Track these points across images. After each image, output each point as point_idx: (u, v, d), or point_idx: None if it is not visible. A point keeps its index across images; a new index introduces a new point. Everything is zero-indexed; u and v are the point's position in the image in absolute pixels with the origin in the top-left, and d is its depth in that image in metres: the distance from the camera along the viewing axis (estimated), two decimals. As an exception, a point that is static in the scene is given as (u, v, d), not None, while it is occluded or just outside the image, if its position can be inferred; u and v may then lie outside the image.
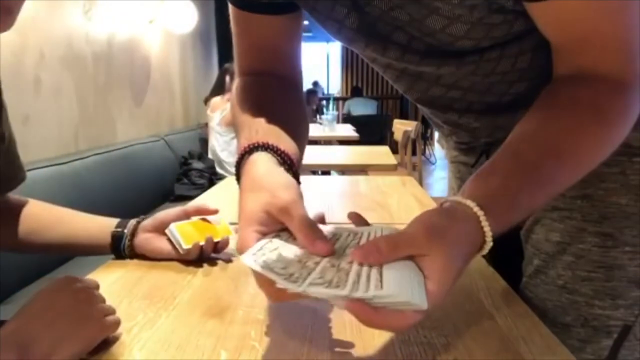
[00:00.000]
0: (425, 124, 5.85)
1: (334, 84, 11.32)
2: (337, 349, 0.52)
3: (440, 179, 6.10)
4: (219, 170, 3.47)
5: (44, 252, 0.84)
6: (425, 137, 7.17)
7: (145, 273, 0.74)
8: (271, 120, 0.60)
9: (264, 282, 0.43)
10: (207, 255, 0.78)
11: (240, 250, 0.46)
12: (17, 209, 0.80)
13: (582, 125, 0.53)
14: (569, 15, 0.52)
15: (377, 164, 2.52)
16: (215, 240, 0.78)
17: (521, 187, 0.50)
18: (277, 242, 0.47)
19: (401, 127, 4.08)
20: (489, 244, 0.46)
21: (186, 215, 0.82)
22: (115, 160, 2.50)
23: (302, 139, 0.64)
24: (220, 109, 3.52)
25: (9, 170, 0.75)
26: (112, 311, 0.55)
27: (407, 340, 0.53)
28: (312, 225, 0.46)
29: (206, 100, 3.78)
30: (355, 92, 8.94)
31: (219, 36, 5.28)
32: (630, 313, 0.67)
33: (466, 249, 0.45)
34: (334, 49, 10.98)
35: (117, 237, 0.78)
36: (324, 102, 8.75)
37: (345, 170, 2.95)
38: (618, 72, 0.53)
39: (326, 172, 3.43)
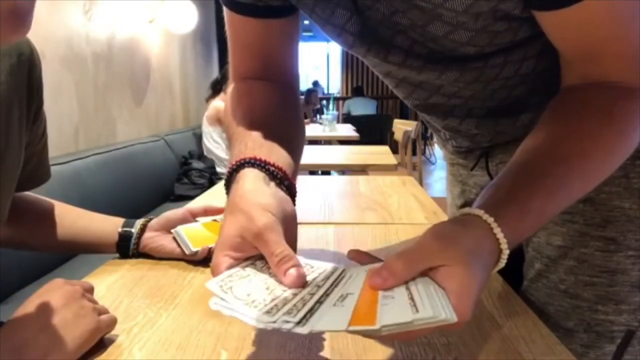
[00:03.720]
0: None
1: (334, 84, 11.32)
2: (338, 350, 0.52)
3: (440, 179, 6.10)
4: (219, 169, 3.47)
5: (50, 249, 0.84)
6: (425, 137, 7.16)
7: (146, 273, 0.74)
8: (264, 130, 0.59)
9: None
10: (211, 256, 0.77)
11: (213, 274, 0.45)
12: (28, 205, 0.81)
13: (592, 131, 0.52)
14: (580, 24, 0.51)
15: (377, 164, 2.52)
16: None
17: (531, 195, 0.48)
18: (249, 271, 0.45)
19: (401, 127, 4.08)
20: (506, 252, 0.44)
21: (192, 216, 0.83)
22: (115, 160, 2.50)
23: (297, 147, 0.63)
24: (207, 109, 3.57)
25: (39, 170, 0.76)
26: (105, 310, 0.55)
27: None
28: (286, 254, 0.44)
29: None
30: (356, 91, 8.93)
31: (219, 36, 5.27)
32: (633, 318, 0.66)
33: (484, 258, 0.43)
34: (334, 49, 10.97)
35: (125, 236, 0.79)
36: (324, 102, 8.75)
37: (345, 170, 2.94)
38: (628, 79, 0.52)
39: (326, 172, 3.43)
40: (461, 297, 0.39)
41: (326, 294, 0.42)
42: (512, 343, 0.53)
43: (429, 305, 0.37)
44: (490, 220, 0.44)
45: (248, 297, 0.41)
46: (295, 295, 0.41)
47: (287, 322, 0.37)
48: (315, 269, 0.47)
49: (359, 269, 0.47)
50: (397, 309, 0.38)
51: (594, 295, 0.67)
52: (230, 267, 0.45)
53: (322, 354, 0.51)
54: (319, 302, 0.41)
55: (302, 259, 0.46)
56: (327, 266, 0.48)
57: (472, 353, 0.51)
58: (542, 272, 0.72)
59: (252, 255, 0.47)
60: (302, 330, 0.37)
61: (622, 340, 0.67)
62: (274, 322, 0.37)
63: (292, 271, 0.43)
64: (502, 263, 0.45)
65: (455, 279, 0.40)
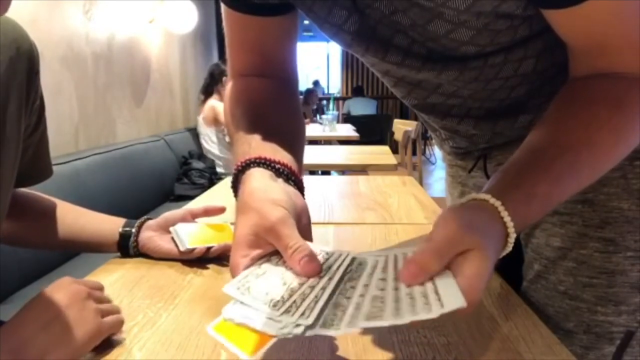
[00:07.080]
0: (425, 124, 5.83)
1: (334, 84, 11.32)
2: (338, 350, 0.52)
3: (440, 179, 6.10)
4: (219, 169, 3.48)
5: (51, 247, 0.85)
6: (425, 137, 7.16)
7: (146, 273, 0.74)
8: (266, 128, 0.59)
9: None
10: (211, 256, 0.77)
11: (232, 276, 0.45)
12: (30, 202, 0.81)
13: (600, 118, 0.52)
14: (588, 21, 0.51)
15: (377, 164, 2.52)
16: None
17: (538, 181, 0.49)
18: (265, 267, 0.45)
19: (401, 127, 4.07)
20: (512, 236, 0.45)
21: (192, 217, 0.82)
22: (115, 160, 2.50)
23: (299, 144, 0.63)
24: (201, 111, 3.59)
25: (38, 164, 0.76)
26: (115, 311, 0.55)
27: (408, 341, 0.53)
28: (299, 245, 0.44)
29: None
30: (356, 91, 8.93)
31: (219, 36, 5.27)
32: (632, 319, 0.66)
33: (495, 242, 0.44)
34: (334, 49, 10.96)
35: (125, 236, 0.79)
36: (324, 102, 8.75)
37: (345, 170, 2.95)
38: (635, 70, 0.52)
39: (326, 172, 3.44)
40: (475, 281, 0.40)
41: (340, 283, 0.43)
42: (512, 343, 0.53)
43: (443, 299, 0.38)
44: (498, 204, 0.45)
45: (266, 296, 0.41)
46: (312, 288, 0.42)
47: (299, 325, 0.38)
48: (330, 256, 0.47)
49: (366, 256, 0.48)
50: (411, 306, 0.38)
51: (593, 296, 0.67)
52: (248, 266, 0.46)
53: (322, 354, 0.51)
54: (331, 294, 0.41)
55: (317, 247, 0.46)
56: (342, 253, 0.48)
57: (472, 353, 0.51)
58: (541, 274, 0.72)
59: (268, 252, 0.47)
60: (316, 332, 0.37)
61: (621, 342, 0.67)
62: (286, 326, 0.38)
63: (306, 260, 0.43)
64: (509, 247, 0.46)
65: (473, 263, 0.41)
